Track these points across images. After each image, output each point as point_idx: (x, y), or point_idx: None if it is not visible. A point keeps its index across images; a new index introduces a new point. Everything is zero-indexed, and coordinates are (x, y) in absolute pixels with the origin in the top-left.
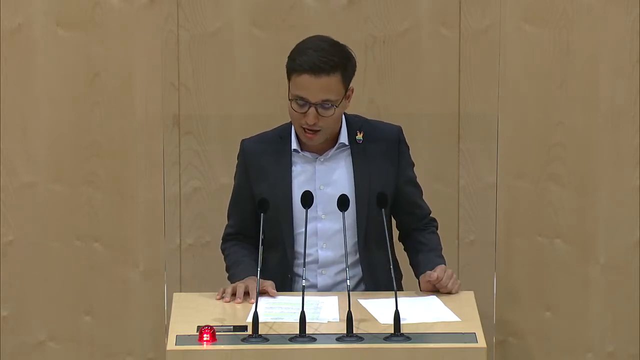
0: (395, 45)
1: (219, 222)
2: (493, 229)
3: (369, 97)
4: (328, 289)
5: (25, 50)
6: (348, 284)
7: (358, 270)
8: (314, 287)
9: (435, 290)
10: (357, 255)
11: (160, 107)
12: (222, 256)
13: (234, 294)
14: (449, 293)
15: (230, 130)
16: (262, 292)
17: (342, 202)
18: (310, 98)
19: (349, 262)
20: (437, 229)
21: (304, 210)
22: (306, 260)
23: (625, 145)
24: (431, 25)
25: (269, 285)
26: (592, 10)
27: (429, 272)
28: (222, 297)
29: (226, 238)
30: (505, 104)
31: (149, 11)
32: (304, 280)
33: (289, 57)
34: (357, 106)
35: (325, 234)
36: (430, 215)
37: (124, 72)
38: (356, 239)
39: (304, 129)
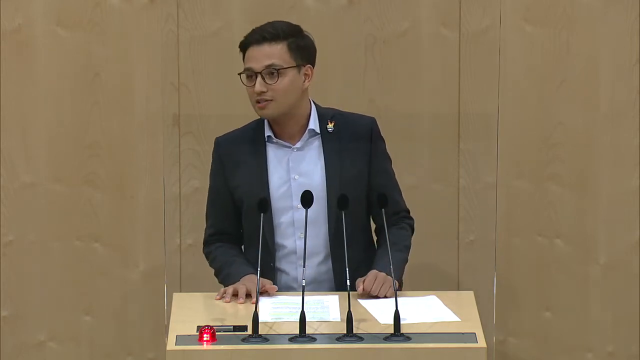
0: (395, 45)
1: None
2: (493, 229)
3: (369, 97)
4: (310, 282)
5: (25, 50)
6: (348, 283)
7: (329, 263)
8: (294, 280)
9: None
10: (329, 249)
11: (160, 107)
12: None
13: (234, 295)
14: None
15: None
16: (262, 292)
17: (342, 202)
18: (254, 66)
19: (323, 255)
20: (411, 228)
21: (282, 199)
22: (285, 252)
23: (625, 145)
24: (431, 25)
25: (268, 283)
26: (592, 10)
27: (359, 280)
28: (222, 298)
29: (209, 240)
30: (505, 104)
31: (149, 11)
32: (303, 280)
33: None
34: (357, 106)
35: (302, 223)
36: (409, 214)
37: (124, 72)
38: (327, 230)
39: (257, 102)
